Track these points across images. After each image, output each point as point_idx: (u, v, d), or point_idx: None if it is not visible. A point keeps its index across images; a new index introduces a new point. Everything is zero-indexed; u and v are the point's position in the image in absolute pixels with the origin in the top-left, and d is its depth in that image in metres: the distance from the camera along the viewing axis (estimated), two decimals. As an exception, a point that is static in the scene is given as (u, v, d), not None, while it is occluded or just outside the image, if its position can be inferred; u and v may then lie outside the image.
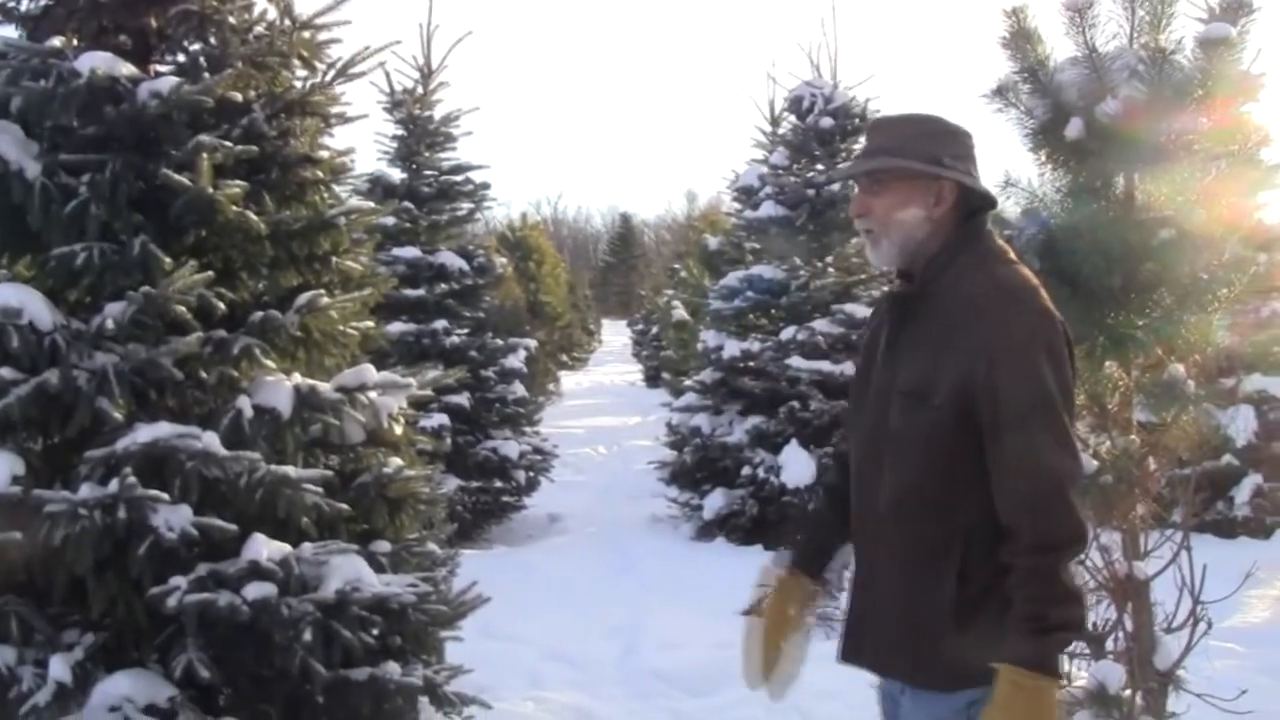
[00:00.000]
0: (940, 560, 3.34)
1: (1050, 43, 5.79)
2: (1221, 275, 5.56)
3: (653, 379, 36.75)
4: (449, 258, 14.32)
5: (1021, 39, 5.80)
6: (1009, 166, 5.97)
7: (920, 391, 3.36)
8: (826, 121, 15.08)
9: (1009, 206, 5.94)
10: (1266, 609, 9.72)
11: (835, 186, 14.55)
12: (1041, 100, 5.77)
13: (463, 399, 13.58)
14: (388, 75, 14.69)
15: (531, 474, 14.53)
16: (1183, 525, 5.83)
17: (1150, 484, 5.70)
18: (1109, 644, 5.74)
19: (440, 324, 13.86)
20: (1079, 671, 5.74)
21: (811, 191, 14.84)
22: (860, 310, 13.77)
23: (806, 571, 3.93)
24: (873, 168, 3.54)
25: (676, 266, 37.25)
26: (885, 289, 3.74)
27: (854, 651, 3.64)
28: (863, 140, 3.89)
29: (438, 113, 14.90)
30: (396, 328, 13.20)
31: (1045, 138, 5.79)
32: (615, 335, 64.36)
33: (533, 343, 17.04)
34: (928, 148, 3.48)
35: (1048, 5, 5.70)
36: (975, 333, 3.28)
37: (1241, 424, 12.66)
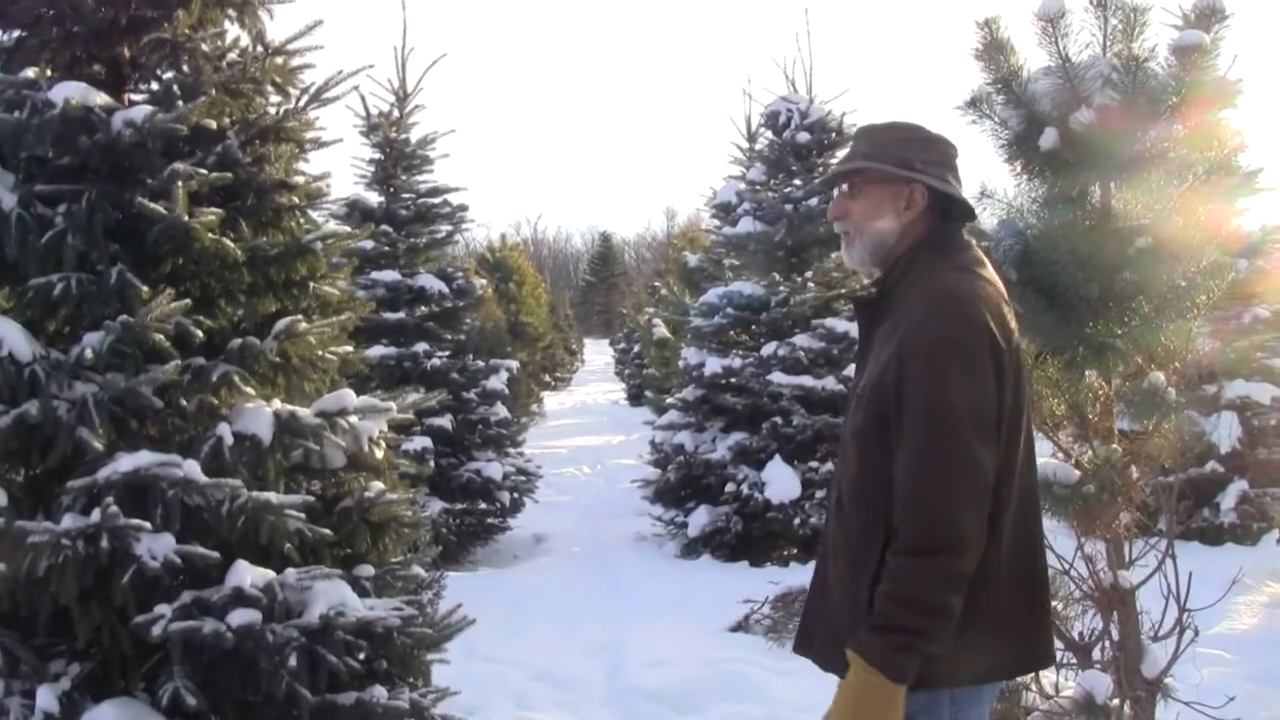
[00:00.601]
0: (864, 561, 3.40)
1: (1023, 53, 5.80)
2: (1199, 282, 5.57)
3: (635, 397, 36.80)
4: (428, 280, 14.32)
5: (995, 50, 5.81)
6: (985, 178, 5.98)
7: (865, 395, 3.47)
8: (803, 136, 15.13)
9: (985, 218, 5.95)
10: (1254, 615, 9.74)
11: (813, 201, 14.59)
12: (1016, 111, 5.78)
13: (445, 421, 13.57)
14: (363, 99, 14.74)
15: (515, 495, 14.52)
16: (1167, 533, 5.83)
17: (1133, 493, 5.70)
18: (1096, 653, 5.74)
19: (421, 347, 13.86)
20: (1066, 681, 5.74)
21: (789, 207, 14.87)
22: (840, 324, 13.81)
23: None
24: (848, 169, 3.66)
25: (657, 284, 37.34)
26: (854, 296, 3.84)
27: (805, 645, 3.74)
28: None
29: (414, 135, 14.92)
30: (377, 351, 13.21)
31: (1020, 148, 5.80)
32: (598, 354, 64.51)
33: (514, 364, 17.03)
34: (901, 153, 3.59)
35: (1020, 16, 5.72)
36: (898, 337, 3.35)
37: (1225, 430, 12.71)
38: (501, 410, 14.81)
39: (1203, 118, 5.67)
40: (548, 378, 43.01)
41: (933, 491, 3.20)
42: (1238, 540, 12.79)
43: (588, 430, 29.91)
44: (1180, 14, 5.83)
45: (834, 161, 15.22)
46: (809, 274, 14.61)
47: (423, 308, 14.42)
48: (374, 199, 14.67)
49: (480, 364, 14.79)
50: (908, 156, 3.57)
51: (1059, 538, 5.67)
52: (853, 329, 13.76)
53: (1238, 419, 12.82)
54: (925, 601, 3.19)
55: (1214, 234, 5.70)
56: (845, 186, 3.69)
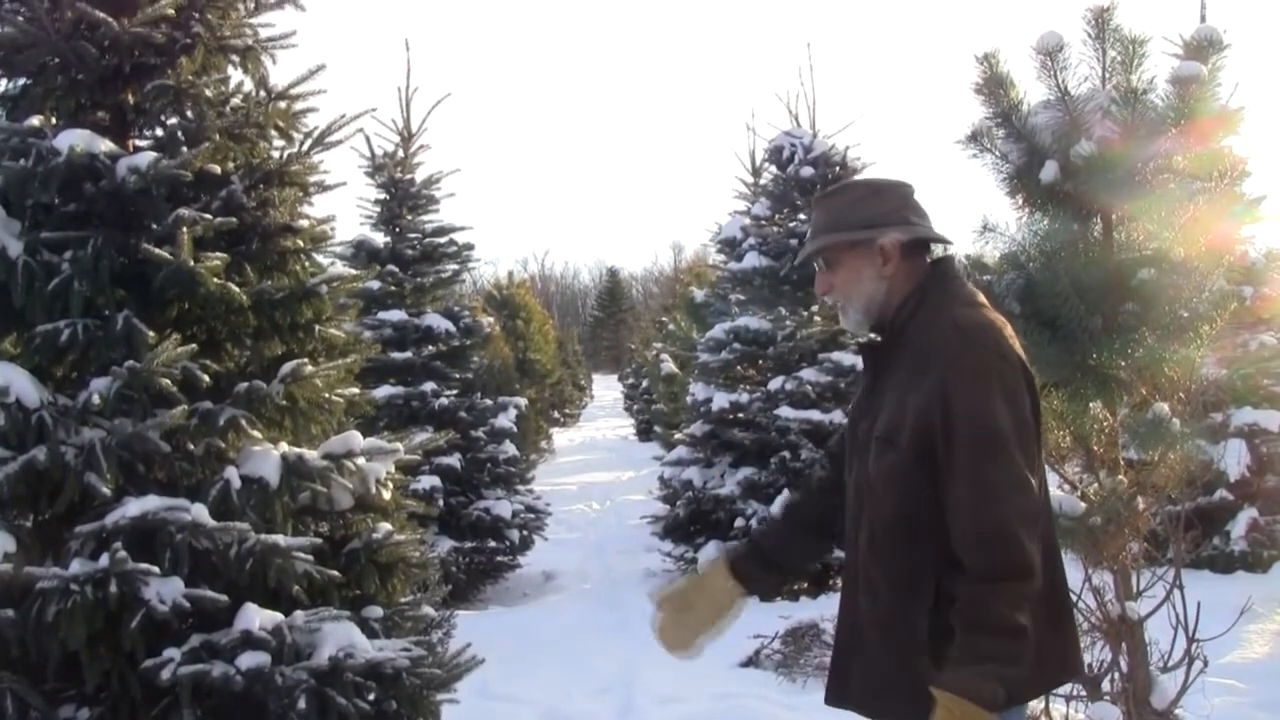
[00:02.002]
0: (913, 598, 3.42)
1: (1023, 87, 5.84)
2: (1203, 311, 5.58)
3: (645, 432, 36.76)
4: (435, 319, 14.33)
5: (994, 84, 5.84)
6: (986, 211, 6.00)
7: (888, 436, 3.47)
8: (807, 171, 15.13)
9: (987, 251, 5.97)
10: (1265, 644, 9.69)
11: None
12: (1016, 144, 5.81)
13: (454, 460, 13.56)
14: (368, 139, 14.76)
15: (525, 533, 14.48)
16: (1175, 563, 5.83)
17: (1140, 523, 5.71)
18: (1105, 685, 5.74)
19: (429, 386, 13.86)
20: (1076, 713, 5.73)
21: (794, 241, 14.85)
22: (848, 358, 13.79)
23: (737, 570, 4.04)
24: (817, 248, 3.68)
25: (664, 319, 37.35)
26: (861, 342, 3.84)
27: (840, 694, 3.71)
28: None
29: (419, 175, 14.95)
30: (384, 391, 13.20)
31: (1021, 181, 5.83)
32: (606, 390, 64.41)
33: (523, 401, 17.04)
34: (859, 214, 3.64)
35: (1020, 50, 5.74)
36: (932, 373, 3.37)
37: (1233, 458, 12.67)
38: (510, 448, 14.80)
39: (1204, 147, 5.69)
40: (556, 414, 42.96)
41: (996, 519, 3.24)
42: (1248, 568, 12.72)
43: (597, 466, 29.86)
44: (1179, 44, 5.86)
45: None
46: (815, 308, 14.61)
47: (430, 347, 14.44)
48: (380, 239, 14.69)
49: (488, 402, 14.79)
50: (866, 215, 3.62)
51: (1066, 569, 5.66)
52: (860, 362, 13.72)
53: (1246, 446, 12.79)
54: (1007, 626, 3.22)
55: (1217, 262, 5.71)
56: (821, 263, 3.71)
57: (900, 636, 3.43)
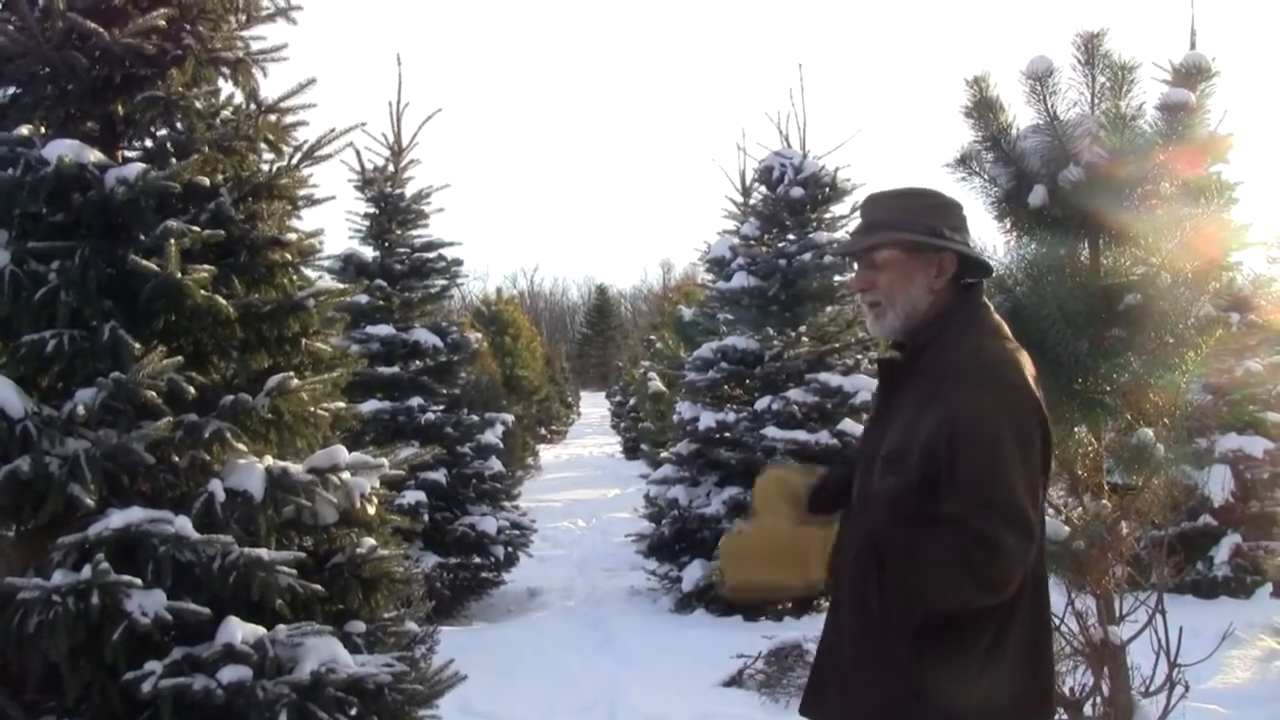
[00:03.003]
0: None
1: (1012, 111, 5.85)
2: (1189, 338, 5.59)
3: (631, 450, 36.75)
4: (423, 335, 14.31)
5: (984, 108, 5.86)
6: (974, 234, 6.00)
7: (895, 457, 3.42)
8: (797, 191, 15.14)
9: (976, 274, 5.97)
10: (1247, 669, 9.71)
11: (806, 256, 14.59)
12: (1005, 168, 5.82)
13: (439, 475, 13.53)
14: (358, 154, 14.76)
15: (510, 549, 14.45)
16: (1157, 588, 5.84)
17: (1124, 548, 5.71)
18: (1087, 709, 5.74)
19: (415, 401, 13.83)
20: (1058, 737, 5.73)
21: (783, 262, 14.87)
22: (834, 379, 13.79)
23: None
24: (877, 242, 3.59)
25: (653, 338, 37.35)
26: (879, 357, 3.79)
27: (815, 706, 3.67)
28: (856, 216, 3.91)
29: (409, 190, 14.92)
30: (371, 406, 13.17)
31: (1009, 205, 5.84)
32: (594, 407, 64.45)
33: (509, 417, 17.00)
34: (927, 220, 3.57)
35: (1009, 74, 5.76)
36: (947, 401, 3.32)
37: (1218, 484, 12.69)
38: (496, 464, 14.77)
39: (1192, 173, 5.71)
40: (543, 431, 42.92)
41: (985, 552, 3.16)
42: (1231, 594, 12.75)
43: (583, 484, 29.83)
44: (1169, 70, 5.87)
45: (828, 217, 15.30)
46: (803, 328, 14.64)
47: (417, 362, 14.42)
48: (369, 253, 14.67)
49: (475, 418, 14.76)
50: (934, 224, 3.57)
51: (1050, 593, 5.67)
52: (847, 383, 13.75)
53: (1231, 472, 12.81)
54: (944, 580, 3.19)
55: (1203, 289, 5.73)
56: (873, 258, 3.62)
57: (882, 651, 3.39)
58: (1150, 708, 5.73)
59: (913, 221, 3.56)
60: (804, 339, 14.53)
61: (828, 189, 15.25)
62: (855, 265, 3.75)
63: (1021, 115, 5.80)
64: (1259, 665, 9.86)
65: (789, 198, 15.22)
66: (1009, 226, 5.93)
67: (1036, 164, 5.71)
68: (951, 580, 3.17)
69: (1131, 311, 5.54)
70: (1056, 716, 5.70)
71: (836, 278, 14.59)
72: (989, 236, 5.99)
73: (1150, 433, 5.64)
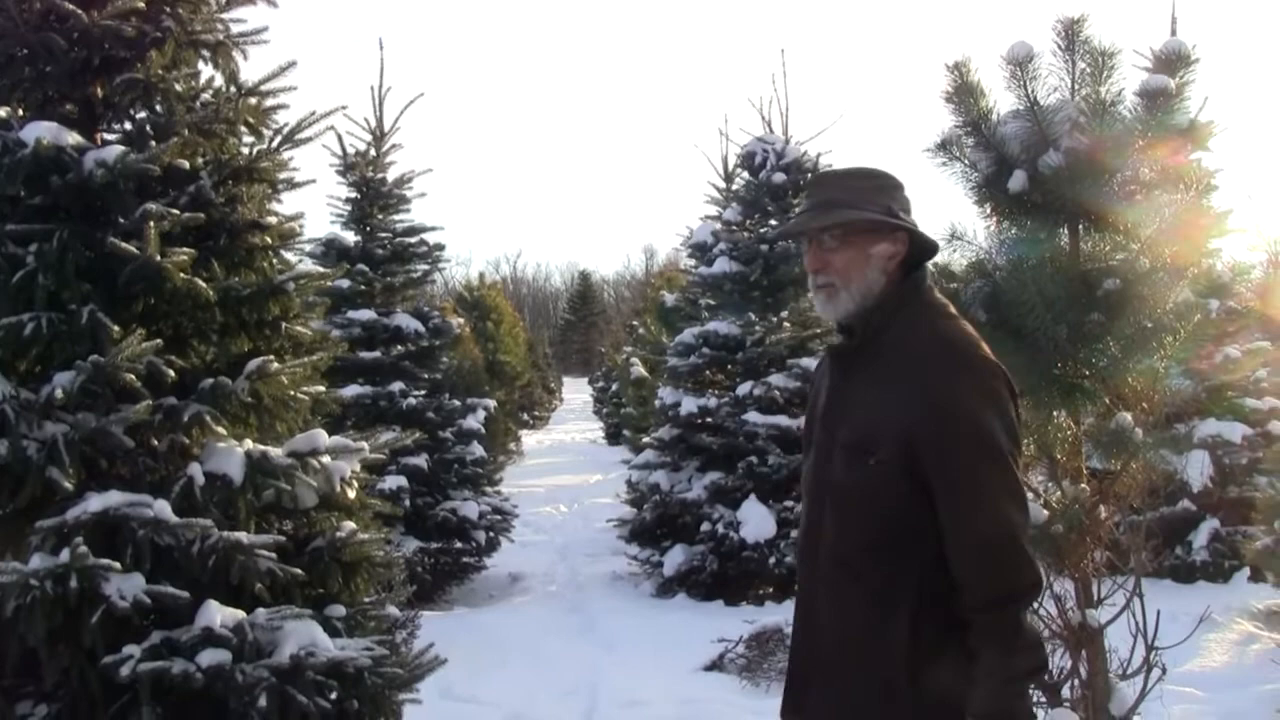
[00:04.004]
0: (890, 614, 3.33)
1: (993, 96, 5.84)
2: (1167, 322, 5.60)
3: (614, 436, 36.80)
4: (405, 319, 14.30)
5: (964, 93, 5.85)
6: (954, 219, 6.01)
7: (862, 445, 3.37)
8: (779, 177, 15.16)
9: (955, 259, 5.98)
10: (1224, 653, 9.77)
11: (789, 242, 14.61)
12: (985, 153, 5.82)
13: (421, 460, 13.53)
14: (340, 138, 14.70)
15: (491, 534, 14.45)
16: (1135, 572, 5.86)
17: (1101, 532, 5.73)
18: (1065, 692, 5.75)
19: (397, 386, 13.82)
20: (1036, 720, 5.75)
21: (765, 247, 14.90)
22: (815, 364, 13.79)
23: None
24: (835, 221, 3.52)
25: (635, 323, 37.34)
26: (827, 343, 3.77)
27: (796, 709, 3.63)
28: (805, 195, 3.83)
29: (391, 175, 14.88)
30: (353, 390, 13.17)
31: (989, 190, 5.84)
32: (576, 393, 64.43)
33: (491, 403, 16.99)
34: (882, 200, 3.52)
35: (991, 59, 5.76)
36: (917, 386, 3.29)
37: (1196, 469, 12.73)
38: (478, 449, 14.77)
39: (1171, 160, 5.72)
40: (526, 416, 42.92)
41: (1008, 539, 3.21)
42: (1210, 578, 12.83)
43: (565, 469, 29.83)
44: (1149, 57, 5.88)
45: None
46: (784, 314, 14.66)
47: (399, 347, 14.41)
48: (350, 238, 14.63)
49: (456, 403, 14.76)
50: (888, 204, 3.52)
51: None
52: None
53: (1210, 457, 12.85)
54: (1033, 640, 3.28)
55: (1182, 275, 5.74)
56: (827, 238, 3.55)
57: (876, 653, 3.36)
58: (1128, 690, 5.75)
59: (867, 201, 3.51)
60: (786, 324, 14.56)
61: (810, 174, 15.24)
62: (803, 246, 3.68)
63: (1002, 101, 5.80)
64: (1236, 649, 9.92)
65: (771, 183, 15.24)
66: (989, 212, 5.93)
67: (1017, 149, 5.71)
68: (1027, 641, 3.26)
69: (1110, 297, 5.55)
70: (1035, 699, 5.73)
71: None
72: (969, 221, 5.98)
73: (1129, 417, 5.65)
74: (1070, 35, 5.58)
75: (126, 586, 4.81)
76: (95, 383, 5.02)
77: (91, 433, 5.01)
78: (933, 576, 3.28)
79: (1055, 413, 5.72)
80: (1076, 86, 5.66)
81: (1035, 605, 3.24)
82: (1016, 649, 3.20)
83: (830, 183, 3.71)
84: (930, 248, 3.65)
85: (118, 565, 4.79)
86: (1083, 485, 5.71)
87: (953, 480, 3.24)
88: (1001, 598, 3.20)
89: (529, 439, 38.54)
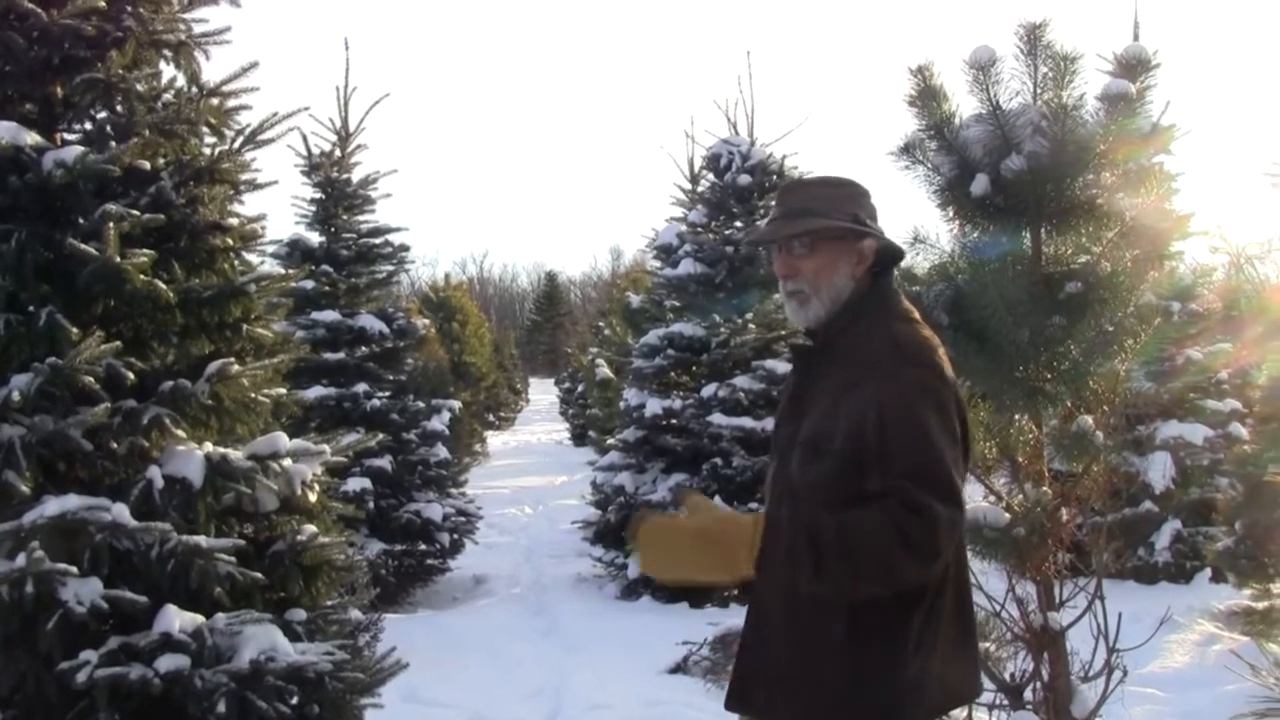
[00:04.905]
0: (829, 607, 3.36)
1: (956, 100, 5.87)
2: (1129, 325, 5.64)
3: (580, 437, 36.79)
4: (369, 320, 14.24)
5: (927, 97, 5.87)
6: (917, 223, 6.03)
7: (815, 445, 3.44)
8: (744, 179, 15.18)
9: (918, 263, 6.00)
10: (1186, 654, 9.83)
11: (760, 249, 14.62)
12: (948, 157, 5.85)
13: (385, 462, 13.48)
14: (305, 138, 14.60)
15: (455, 536, 14.41)
16: (1096, 574, 5.89)
17: (1063, 534, 5.75)
18: (1027, 694, 5.78)
19: (361, 387, 13.77)
20: (997, 724, 5.77)
21: (730, 249, 14.93)
22: (781, 366, 13.82)
23: None
24: (807, 229, 3.59)
25: (601, 325, 37.33)
26: (793, 344, 3.80)
27: (741, 699, 3.68)
28: (774, 203, 3.88)
29: (356, 175, 14.80)
30: (316, 392, 13.11)
31: (952, 194, 5.86)
32: (543, 394, 64.33)
33: (456, 404, 16.96)
34: (849, 208, 3.61)
35: (953, 63, 5.78)
36: (868, 386, 3.34)
37: (1158, 471, 12.81)
38: (442, 451, 14.73)
39: (1133, 163, 5.75)
40: (491, 417, 42.81)
41: (928, 529, 3.18)
42: (1172, 579, 12.92)
43: (531, 470, 29.79)
44: (1114, 58, 5.91)
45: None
46: (749, 315, 14.66)
47: (363, 348, 14.35)
48: (315, 239, 14.55)
49: (421, 405, 14.71)
50: (856, 212, 3.60)
51: (990, 579, 5.71)
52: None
53: (1171, 459, 12.93)
54: (881, 568, 3.19)
55: (1143, 278, 5.77)
56: (796, 245, 3.62)
57: (812, 646, 3.41)
58: (1089, 692, 5.78)
59: (836, 209, 3.59)
60: (750, 326, 14.55)
61: (775, 176, 15.29)
62: (773, 253, 3.74)
63: (965, 105, 5.82)
64: (1197, 649, 9.98)
65: (736, 185, 15.26)
66: (951, 215, 5.96)
67: (979, 153, 5.73)
68: (889, 557, 3.16)
69: (1072, 300, 5.58)
70: (997, 702, 5.75)
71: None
72: (932, 225, 6.00)
73: (1090, 420, 5.68)
74: (1032, 40, 5.60)
75: (84, 591, 4.76)
76: (53, 385, 4.97)
77: (49, 435, 4.97)
78: None
79: (1017, 416, 5.75)
80: (1039, 91, 5.68)
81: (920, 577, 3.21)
82: (872, 544, 3.16)
83: (799, 191, 3.78)
84: (896, 254, 3.76)
85: (75, 570, 4.73)
86: (1045, 488, 5.74)
87: (888, 474, 3.24)
88: (905, 489, 3.18)
89: (495, 440, 38.47)
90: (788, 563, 3.31)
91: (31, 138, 5.31)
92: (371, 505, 12.93)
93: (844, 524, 3.19)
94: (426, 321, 16.81)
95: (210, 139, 5.90)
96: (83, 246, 5.12)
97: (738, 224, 15.35)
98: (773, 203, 3.83)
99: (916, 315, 3.65)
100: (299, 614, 5.57)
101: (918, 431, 3.27)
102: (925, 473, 3.22)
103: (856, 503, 3.25)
